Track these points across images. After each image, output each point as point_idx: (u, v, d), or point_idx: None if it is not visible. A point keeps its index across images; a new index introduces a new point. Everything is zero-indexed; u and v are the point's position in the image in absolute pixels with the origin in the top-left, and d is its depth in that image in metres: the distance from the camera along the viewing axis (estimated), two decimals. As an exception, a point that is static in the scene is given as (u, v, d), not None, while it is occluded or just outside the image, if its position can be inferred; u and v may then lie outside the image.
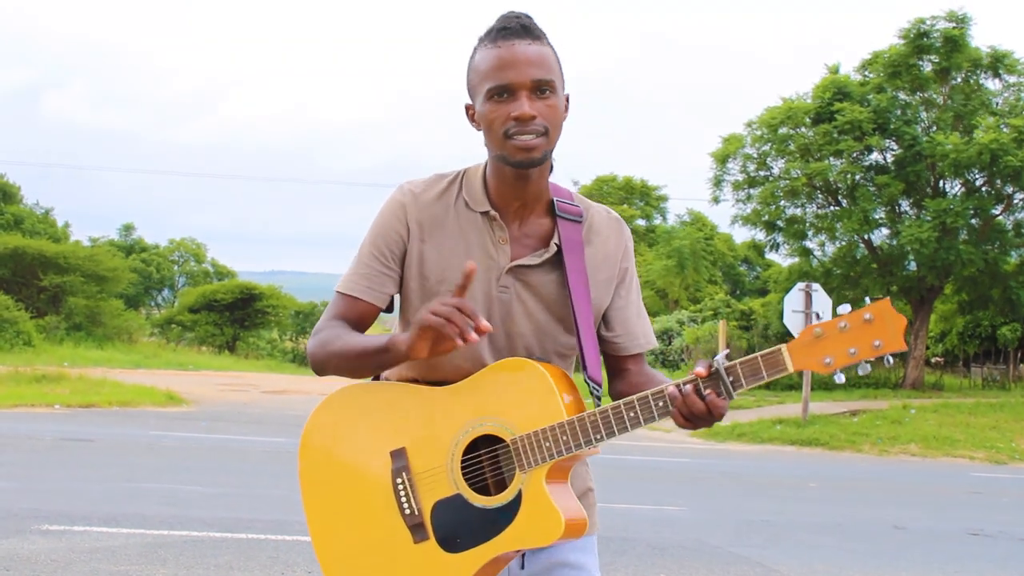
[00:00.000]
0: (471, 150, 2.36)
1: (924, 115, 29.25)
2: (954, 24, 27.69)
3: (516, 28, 2.13)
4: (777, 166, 29.55)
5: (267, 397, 24.24)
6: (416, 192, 2.24)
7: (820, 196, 29.53)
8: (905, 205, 29.32)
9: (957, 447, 19.47)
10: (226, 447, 13.82)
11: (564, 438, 2.04)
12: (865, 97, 28.22)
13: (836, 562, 8.03)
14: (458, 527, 2.10)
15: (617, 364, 2.32)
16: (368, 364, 2.18)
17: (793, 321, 19.86)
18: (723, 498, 11.59)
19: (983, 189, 28.24)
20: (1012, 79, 28.57)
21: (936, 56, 28.01)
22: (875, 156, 29.12)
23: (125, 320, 40.33)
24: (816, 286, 20.95)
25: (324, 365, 2.24)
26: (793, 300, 20.53)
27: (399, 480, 2.16)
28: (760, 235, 30.78)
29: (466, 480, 2.12)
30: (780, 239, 30.24)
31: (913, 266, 28.59)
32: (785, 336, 25.88)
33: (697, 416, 1.99)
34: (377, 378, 2.35)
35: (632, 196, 51.80)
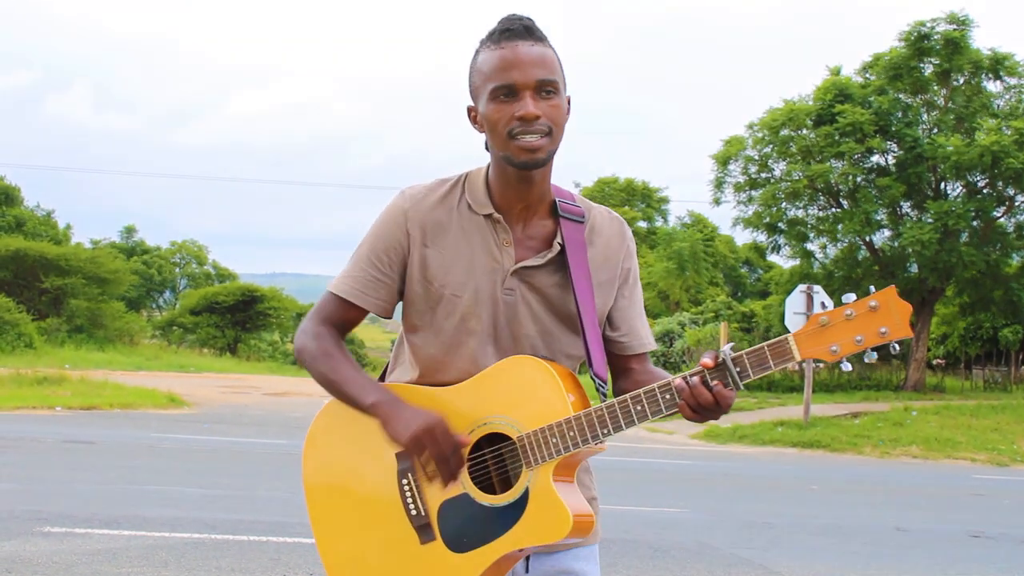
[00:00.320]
0: (473, 153, 2.36)
1: (925, 117, 29.27)
2: (955, 26, 27.71)
3: (519, 29, 2.13)
4: (778, 168, 29.57)
5: (268, 399, 24.25)
6: (417, 197, 2.24)
7: (821, 198, 29.53)
8: (906, 207, 29.33)
9: (959, 449, 19.46)
10: (227, 449, 13.82)
11: (571, 434, 2.04)
12: (866, 99, 28.23)
13: (837, 564, 8.02)
14: (465, 527, 2.10)
15: (622, 364, 2.32)
16: (342, 400, 2.23)
17: (795, 323, 19.86)
18: (724, 500, 11.59)
19: (984, 191, 28.24)
20: (1013, 81, 28.58)
21: (937, 58, 28.03)
22: (876, 158, 29.13)
23: (126, 322, 40.37)
24: (817, 288, 20.96)
25: (309, 372, 2.28)
26: (794, 302, 20.54)
27: (405, 481, 2.15)
28: (761, 237, 30.80)
29: (473, 479, 2.11)
30: (781, 241, 30.25)
31: (915, 268, 28.60)
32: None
33: (704, 407, 1.98)
34: (382, 379, 2.36)
35: (634, 198, 51.85)
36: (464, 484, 2.11)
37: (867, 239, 28.95)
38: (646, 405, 2.03)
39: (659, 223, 51.62)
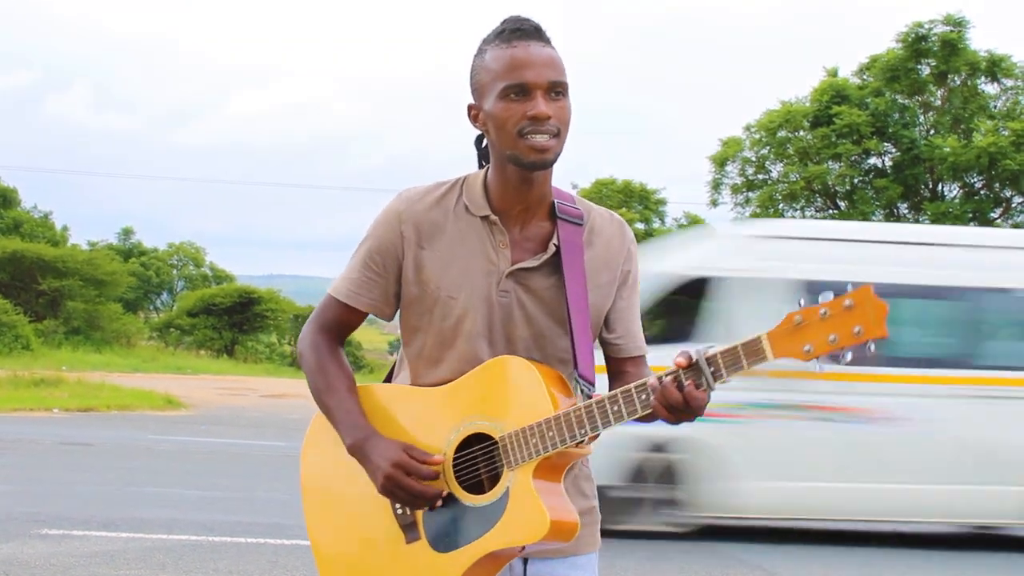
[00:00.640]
0: (472, 155, 2.35)
1: (922, 118, 29.30)
2: (951, 28, 27.74)
3: (530, 30, 2.14)
4: (776, 169, 29.61)
5: (266, 401, 24.26)
6: (413, 199, 2.24)
7: (819, 199, 29.56)
8: (903, 208, 29.36)
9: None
10: (225, 451, 13.82)
11: (550, 434, 2.03)
12: (863, 100, 28.26)
13: (837, 565, 8.03)
14: (448, 526, 2.10)
15: (617, 366, 2.31)
16: (323, 411, 2.26)
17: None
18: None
19: (982, 192, 28.27)
20: (1010, 83, 28.61)
21: (934, 60, 28.06)
22: (873, 159, 29.16)
23: (124, 324, 40.35)
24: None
25: (310, 387, 2.31)
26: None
27: None
28: (759, 238, 30.81)
29: (459, 479, 2.12)
30: (779, 242, 30.28)
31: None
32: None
33: (674, 407, 1.97)
34: (388, 379, 2.36)
35: (631, 199, 51.82)
36: (448, 484, 2.12)
37: (864, 240, 28.97)
38: (622, 405, 2.02)
39: (656, 225, 51.63)
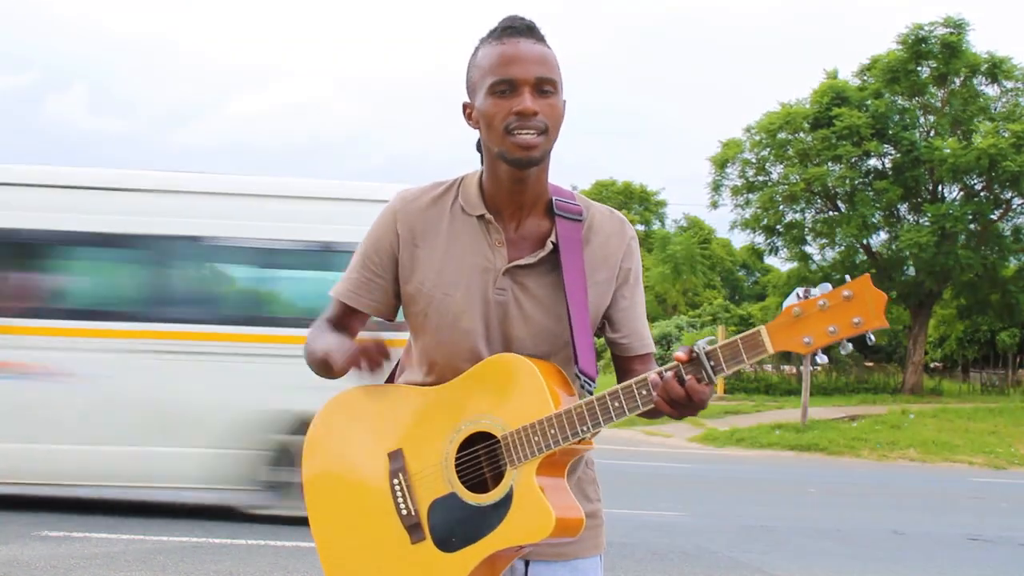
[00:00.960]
0: (472, 156, 2.35)
1: (922, 120, 29.31)
2: (951, 30, 27.75)
3: (521, 27, 2.14)
4: (776, 171, 29.61)
5: (266, 403, 24.22)
6: (409, 199, 2.25)
7: (819, 201, 29.57)
8: (904, 210, 29.37)
9: (956, 452, 19.47)
10: (225, 453, 13.79)
11: (552, 431, 2.03)
12: (864, 102, 28.27)
13: (835, 567, 8.02)
14: (453, 526, 2.09)
15: (625, 365, 2.31)
16: (323, 372, 2.25)
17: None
18: (723, 503, 11.59)
19: (982, 194, 28.28)
20: (1010, 84, 28.62)
21: (934, 62, 28.07)
22: (873, 161, 29.18)
23: (124, 326, 40.31)
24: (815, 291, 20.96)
25: (309, 366, 2.31)
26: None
27: (396, 481, 2.16)
28: (759, 239, 30.83)
29: (462, 478, 2.11)
30: (779, 243, 30.29)
31: (912, 271, 28.64)
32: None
33: (677, 402, 1.97)
34: (391, 379, 2.36)
35: (631, 200, 51.87)
36: (452, 483, 2.11)
37: (864, 242, 28.99)
38: (623, 401, 2.01)
39: (656, 226, 51.67)
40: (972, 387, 32.95)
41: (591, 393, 2.12)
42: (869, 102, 28.26)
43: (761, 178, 29.69)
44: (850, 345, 1.91)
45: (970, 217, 27.40)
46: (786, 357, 30.48)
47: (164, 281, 8.52)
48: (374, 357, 2.12)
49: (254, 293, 9.20)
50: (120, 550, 7.09)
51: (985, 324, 33.84)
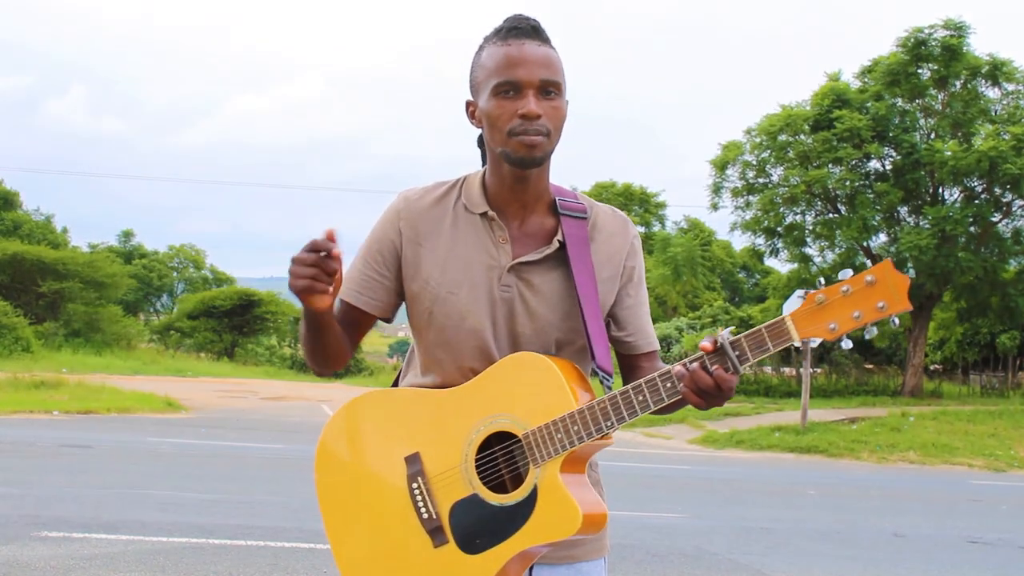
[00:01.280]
0: (471, 158, 2.36)
1: (923, 123, 29.31)
2: (951, 32, 27.75)
3: (527, 29, 2.14)
4: (776, 173, 29.60)
5: (265, 403, 24.25)
6: (412, 198, 2.25)
7: (819, 203, 29.56)
8: (904, 212, 29.36)
9: (956, 455, 19.47)
10: (224, 453, 13.81)
11: (575, 428, 2.03)
12: (864, 105, 28.27)
13: (835, 570, 8.03)
14: (477, 527, 2.08)
15: (631, 363, 2.32)
16: (309, 335, 2.18)
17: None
18: (722, 505, 11.59)
19: (982, 196, 28.27)
20: (1011, 87, 28.61)
21: (935, 64, 28.07)
22: (874, 163, 29.17)
23: (124, 326, 40.34)
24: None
25: (305, 358, 2.28)
26: (792, 307, 20.44)
27: (415, 485, 2.15)
28: (759, 241, 30.81)
29: (482, 479, 2.10)
30: (779, 245, 30.28)
31: (912, 273, 28.59)
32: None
33: (706, 392, 1.97)
34: (396, 383, 2.36)
35: (631, 203, 51.86)
36: (474, 485, 2.10)
37: (864, 244, 28.98)
38: (647, 394, 2.01)
39: (656, 228, 51.65)
40: (972, 390, 32.93)
41: (610, 388, 2.12)
42: (869, 104, 28.25)
43: (761, 180, 29.67)
44: (875, 330, 1.92)
45: (970, 220, 27.39)
46: (786, 359, 30.48)
47: None
48: (302, 256, 1.99)
49: None
50: (120, 551, 7.10)
51: (985, 326, 33.82)
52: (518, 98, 2.10)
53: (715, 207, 30.45)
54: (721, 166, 29.95)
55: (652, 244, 45.85)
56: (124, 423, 17.92)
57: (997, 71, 28.04)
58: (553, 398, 2.06)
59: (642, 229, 49.87)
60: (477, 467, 2.11)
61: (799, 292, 21.07)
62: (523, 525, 2.04)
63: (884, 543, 9.41)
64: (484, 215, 2.20)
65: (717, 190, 30.18)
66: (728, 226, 30.96)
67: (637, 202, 52.29)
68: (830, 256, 30.29)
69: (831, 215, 29.34)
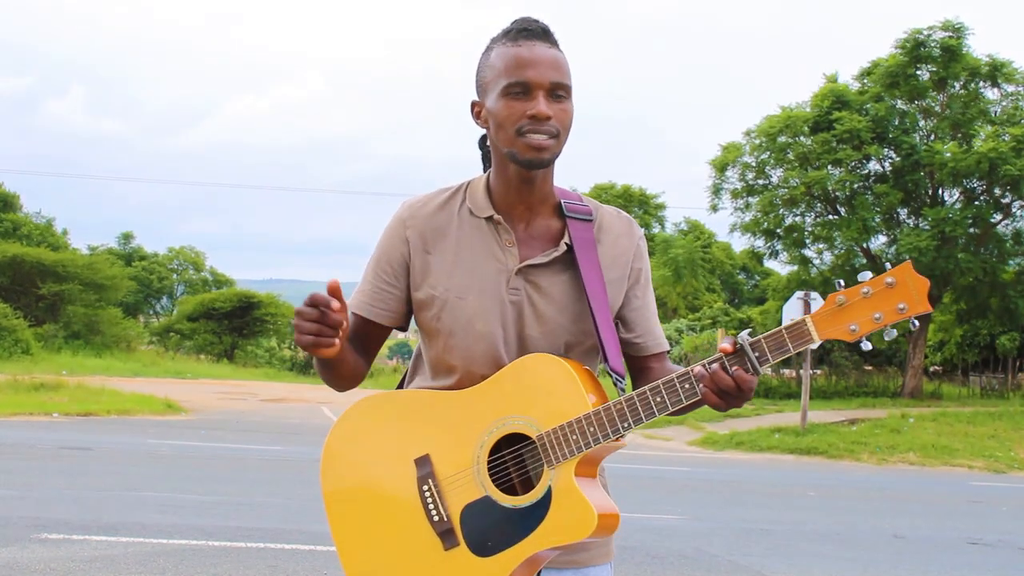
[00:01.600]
0: (472, 159, 2.36)
1: (922, 124, 29.32)
2: (950, 34, 27.76)
3: (537, 31, 2.15)
4: (776, 175, 29.61)
5: (265, 405, 24.24)
6: (416, 206, 2.25)
7: (819, 205, 29.56)
8: (903, 214, 29.37)
9: (956, 456, 19.47)
10: (224, 455, 13.81)
11: (591, 429, 2.02)
12: (863, 106, 28.28)
13: (835, 571, 8.02)
14: (489, 530, 2.07)
15: (641, 364, 2.31)
16: (323, 371, 2.23)
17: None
18: (722, 507, 11.58)
19: (982, 198, 28.27)
20: (1010, 88, 28.62)
21: (934, 65, 28.08)
22: (873, 165, 29.18)
23: (123, 328, 40.32)
24: (815, 295, 20.96)
25: (321, 379, 2.30)
26: (791, 309, 20.54)
27: (425, 487, 2.13)
28: (759, 243, 30.83)
29: (496, 481, 2.09)
30: (779, 247, 30.28)
31: (912, 275, 28.55)
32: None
33: (726, 392, 1.97)
34: (401, 386, 2.36)
35: (631, 204, 51.87)
36: (486, 487, 2.09)
37: (864, 246, 28.98)
38: (665, 396, 2.01)
39: (656, 230, 51.67)
40: (972, 391, 32.94)
41: (623, 391, 2.12)
42: (869, 106, 28.27)
43: (761, 182, 29.68)
44: (894, 332, 1.93)
45: (970, 221, 27.40)
46: (786, 360, 30.47)
47: None
48: (305, 313, 1.99)
49: None
50: (119, 553, 7.10)
51: (985, 328, 33.82)
52: (528, 99, 2.10)
53: (715, 208, 30.45)
54: (721, 167, 29.96)
55: (653, 246, 45.86)
56: (124, 425, 17.92)
57: (996, 72, 28.06)
58: (568, 400, 2.06)
59: (642, 231, 49.89)
60: (489, 469, 2.10)
61: (799, 294, 21.07)
62: (536, 527, 2.03)
63: (884, 544, 9.41)
64: (489, 219, 2.20)
65: (717, 191, 30.18)
66: (728, 227, 30.97)
67: (636, 203, 52.31)
68: (829, 258, 30.30)
69: (830, 216, 29.34)
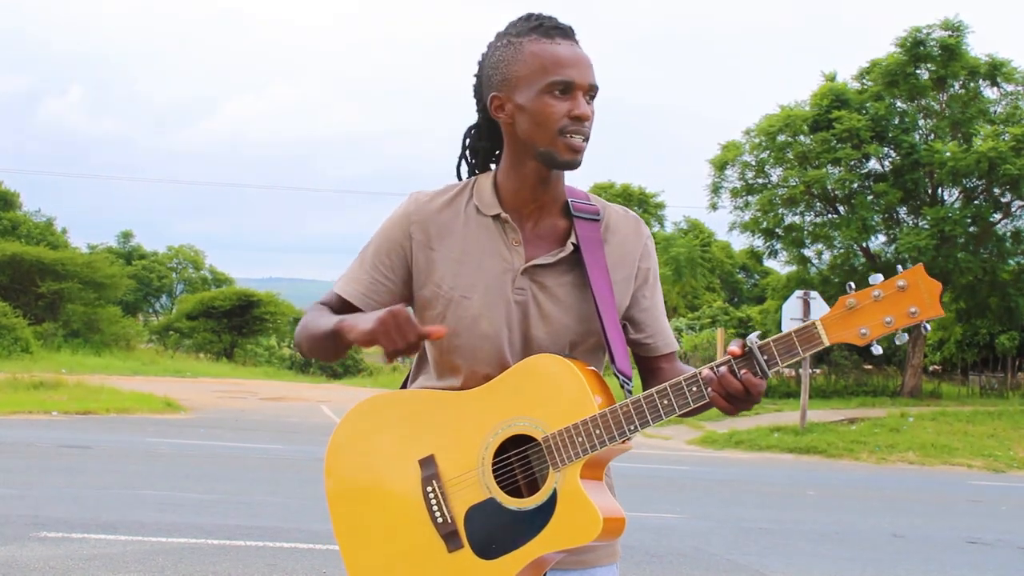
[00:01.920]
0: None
1: (922, 123, 29.30)
2: (950, 33, 27.75)
3: (568, 30, 2.13)
4: (775, 174, 29.59)
5: (265, 404, 24.23)
6: (422, 201, 2.22)
7: (818, 204, 29.55)
8: (903, 213, 29.36)
9: (955, 455, 19.47)
10: (224, 454, 13.81)
11: (597, 432, 2.00)
12: (863, 105, 28.27)
13: (834, 570, 8.03)
14: (493, 532, 2.05)
15: (651, 364, 2.29)
16: (324, 347, 2.17)
17: (791, 329, 19.89)
18: (721, 505, 11.59)
19: (981, 197, 28.27)
20: (1010, 87, 28.62)
21: (933, 65, 28.07)
22: (873, 164, 29.15)
23: (123, 327, 40.30)
24: (814, 294, 20.97)
25: (300, 347, 2.25)
26: (791, 308, 20.54)
27: (429, 489, 2.11)
28: (758, 242, 30.81)
29: (500, 483, 2.07)
30: (778, 246, 30.27)
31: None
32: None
33: (734, 396, 1.95)
34: (404, 386, 2.34)
35: (630, 203, 51.85)
36: (490, 489, 2.07)
37: (863, 245, 28.97)
38: (673, 399, 2.00)
39: (656, 229, 51.66)
40: (971, 390, 32.93)
41: (630, 392, 2.10)
42: (868, 105, 28.26)
43: (760, 180, 29.66)
44: (906, 336, 1.91)
45: (969, 220, 27.40)
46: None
47: None
48: (406, 327, 1.98)
49: None
50: (118, 551, 7.10)
51: (984, 327, 33.81)
52: (567, 99, 2.08)
53: (714, 207, 30.43)
54: (720, 166, 29.94)
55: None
56: (123, 423, 17.92)
57: (996, 71, 28.05)
58: (574, 401, 2.04)
59: (650, 230, 49.85)
60: (494, 471, 2.08)
61: (798, 293, 21.07)
62: (541, 530, 2.02)
63: (883, 543, 9.41)
64: (496, 217, 2.17)
65: (716, 190, 30.16)
66: (727, 226, 30.93)
67: (636, 202, 52.29)
68: (828, 257, 30.29)
69: (830, 216, 29.33)
